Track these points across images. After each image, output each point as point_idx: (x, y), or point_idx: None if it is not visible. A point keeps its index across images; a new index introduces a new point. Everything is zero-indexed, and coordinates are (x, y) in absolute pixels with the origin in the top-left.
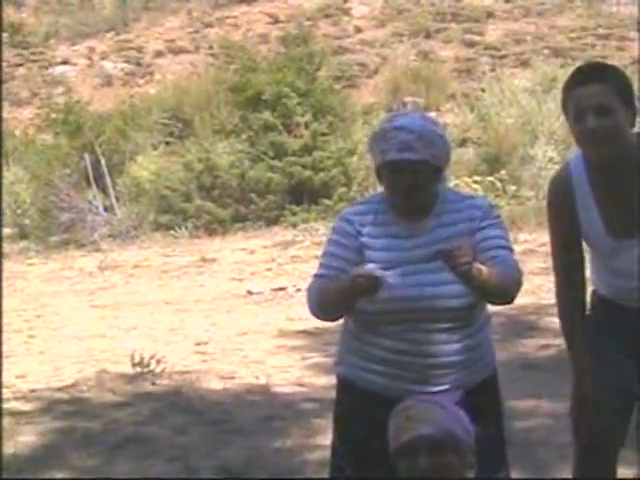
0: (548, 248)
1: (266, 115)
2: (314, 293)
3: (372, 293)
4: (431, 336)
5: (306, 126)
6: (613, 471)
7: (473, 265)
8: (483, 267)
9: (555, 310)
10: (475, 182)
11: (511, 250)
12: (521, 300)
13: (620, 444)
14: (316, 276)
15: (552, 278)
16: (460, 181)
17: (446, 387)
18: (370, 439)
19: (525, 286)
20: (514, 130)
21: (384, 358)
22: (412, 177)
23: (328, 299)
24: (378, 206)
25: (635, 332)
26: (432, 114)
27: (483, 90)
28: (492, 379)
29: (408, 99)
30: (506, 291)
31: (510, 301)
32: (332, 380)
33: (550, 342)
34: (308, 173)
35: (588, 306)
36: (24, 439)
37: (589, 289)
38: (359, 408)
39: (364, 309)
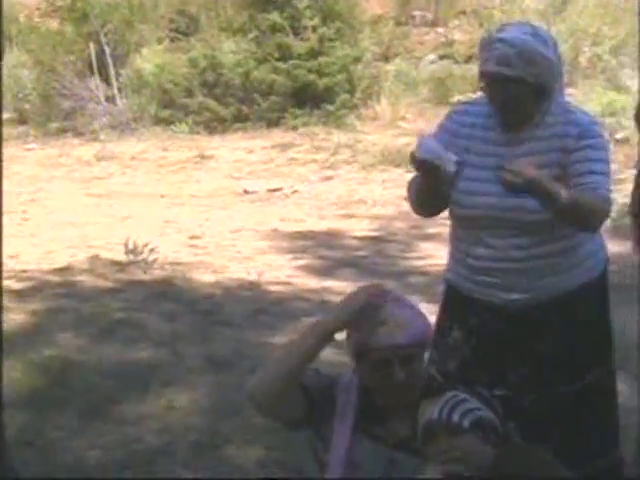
0: None
1: (274, 16)
2: (411, 186)
3: (432, 176)
4: (507, 242)
5: (314, 30)
6: None
7: (545, 186)
8: (564, 191)
9: None
10: None
11: (606, 175)
12: None
13: None
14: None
15: None
16: (464, 97)
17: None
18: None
19: None
20: None
21: (473, 266)
22: (505, 92)
23: (416, 189)
24: (484, 109)
25: None
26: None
27: (493, 8)
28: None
29: (416, 12)
30: (588, 221)
31: (592, 231)
32: (321, 282)
33: None
34: (312, 77)
35: None
36: (14, 316)
37: None
38: (457, 314)
39: (454, 214)
